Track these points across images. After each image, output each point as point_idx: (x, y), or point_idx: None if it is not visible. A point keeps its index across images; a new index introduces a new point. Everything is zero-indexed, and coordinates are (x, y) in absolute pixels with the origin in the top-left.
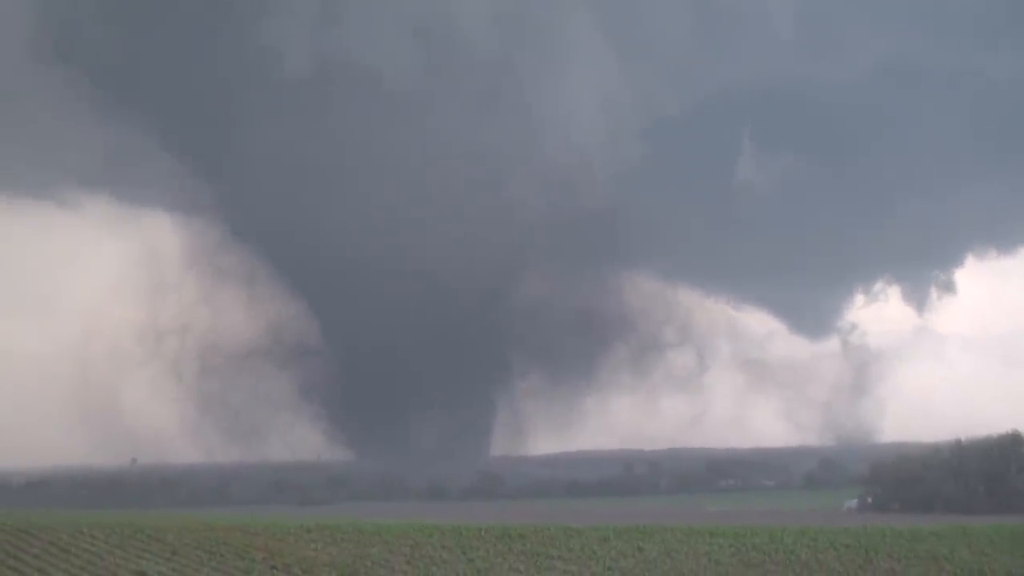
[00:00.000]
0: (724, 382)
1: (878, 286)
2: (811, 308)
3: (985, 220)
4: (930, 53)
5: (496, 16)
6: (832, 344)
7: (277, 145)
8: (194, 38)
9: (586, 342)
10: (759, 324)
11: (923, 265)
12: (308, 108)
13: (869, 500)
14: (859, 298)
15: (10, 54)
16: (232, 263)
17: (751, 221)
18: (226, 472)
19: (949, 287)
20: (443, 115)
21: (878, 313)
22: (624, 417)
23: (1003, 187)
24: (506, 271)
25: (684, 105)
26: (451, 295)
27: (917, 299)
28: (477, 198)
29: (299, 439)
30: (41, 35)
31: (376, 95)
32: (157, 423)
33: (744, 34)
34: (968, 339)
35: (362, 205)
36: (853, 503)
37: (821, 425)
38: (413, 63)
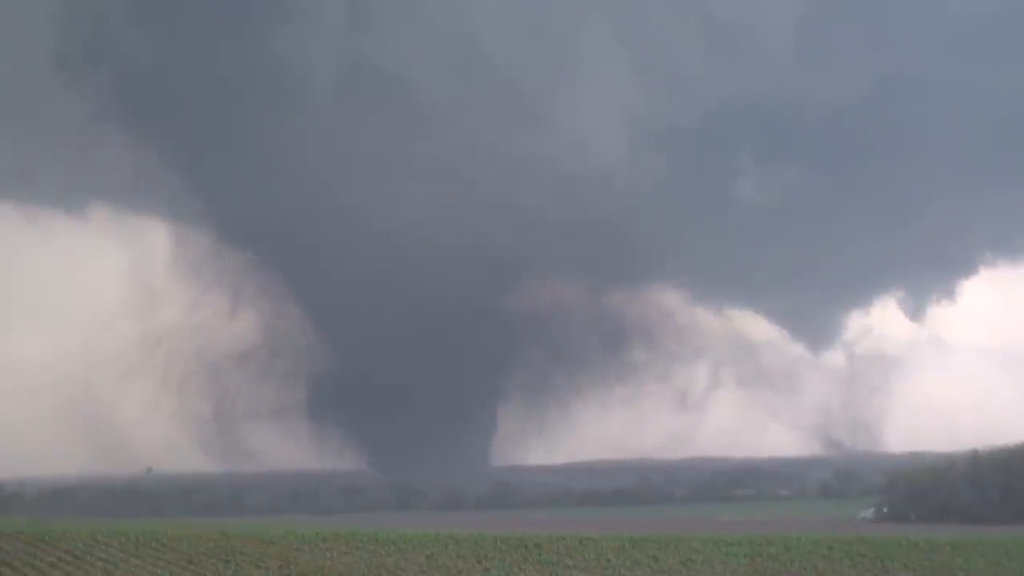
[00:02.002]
0: (730, 393)
1: (886, 296)
2: (817, 318)
3: (994, 230)
4: (927, 69)
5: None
6: (840, 354)
7: (280, 152)
8: (205, 44)
9: (595, 351)
10: (765, 334)
11: (932, 275)
12: (314, 114)
13: (885, 510)
14: (867, 308)
15: (19, 63)
16: (238, 274)
17: (756, 233)
18: (241, 481)
19: (956, 297)
20: (453, 122)
21: (886, 323)
22: (631, 427)
23: (1008, 198)
24: (514, 279)
25: (688, 119)
26: (453, 301)
27: (926, 309)
28: (482, 205)
29: (296, 447)
30: (58, 45)
31: (389, 104)
32: (156, 433)
33: (745, 51)
34: (978, 349)
35: (369, 214)
36: (869, 513)
37: (829, 435)
38: (434, 73)
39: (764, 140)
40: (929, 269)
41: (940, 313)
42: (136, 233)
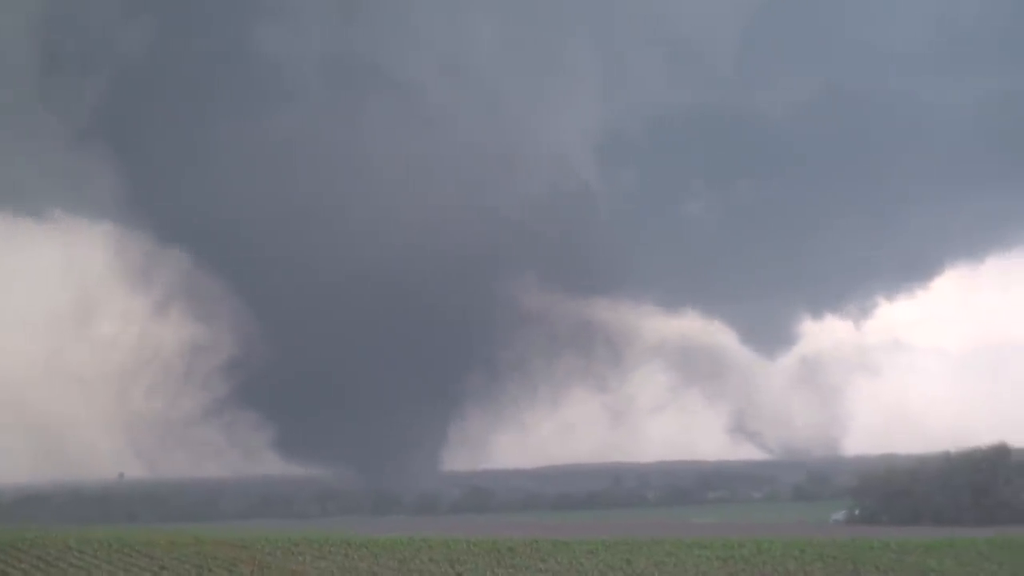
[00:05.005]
0: (687, 398)
1: (849, 299)
2: (776, 323)
3: (954, 235)
4: (866, 81)
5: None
6: (801, 358)
7: (250, 153)
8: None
9: (553, 355)
10: (724, 340)
11: (894, 278)
12: (284, 111)
13: (856, 512)
14: (831, 312)
15: None
16: (190, 276)
17: (713, 242)
18: (215, 486)
19: (919, 299)
20: (416, 121)
21: (848, 327)
22: (583, 432)
23: (966, 203)
24: (474, 280)
25: (640, 129)
26: (408, 302)
27: (888, 312)
28: (442, 205)
29: (242, 452)
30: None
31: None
32: (93, 438)
33: (694, 61)
34: (943, 351)
35: (332, 215)
36: (840, 515)
37: (790, 439)
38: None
39: (717, 151)
40: (891, 272)
41: (902, 315)
42: (91, 237)
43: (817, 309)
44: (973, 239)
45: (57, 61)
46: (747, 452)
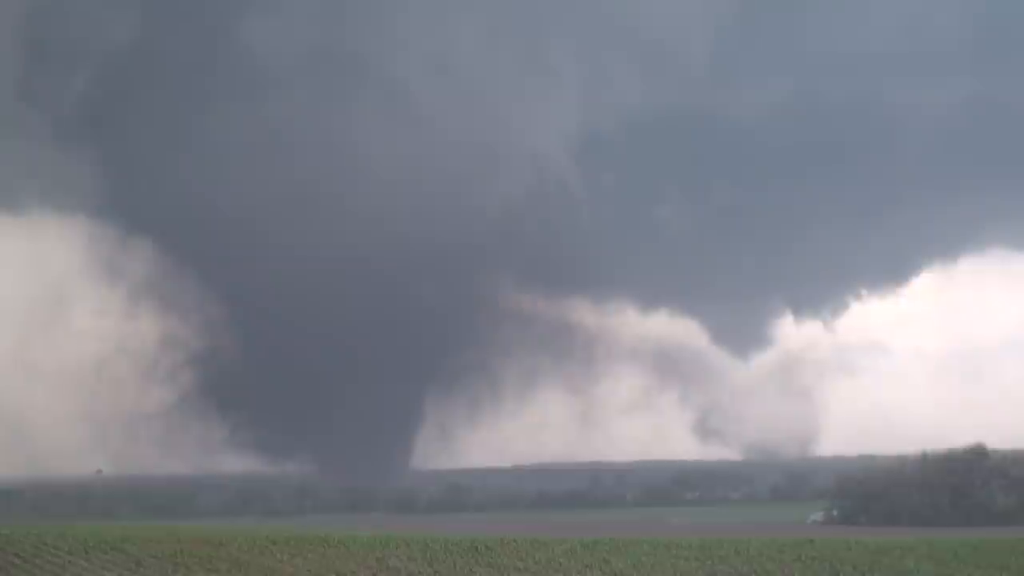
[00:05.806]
0: (663, 398)
1: (825, 301)
2: (750, 324)
3: (931, 236)
4: (840, 84)
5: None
6: (777, 359)
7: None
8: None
9: (531, 356)
10: (699, 340)
11: (869, 280)
12: (261, 102)
13: (834, 513)
14: (807, 313)
15: None
16: (166, 273)
17: (688, 244)
18: (193, 483)
19: (894, 302)
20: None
21: (822, 328)
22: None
23: (941, 204)
24: (450, 280)
25: (618, 131)
26: (391, 300)
27: (865, 313)
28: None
29: (218, 449)
30: None
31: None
32: (65, 433)
33: (670, 64)
34: (920, 353)
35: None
36: (818, 516)
37: (766, 440)
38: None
39: (693, 153)
40: (868, 274)
41: (878, 317)
42: (66, 232)
43: (795, 310)
44: (949, 240)
45: (39, 56)
46: (724, 453)
